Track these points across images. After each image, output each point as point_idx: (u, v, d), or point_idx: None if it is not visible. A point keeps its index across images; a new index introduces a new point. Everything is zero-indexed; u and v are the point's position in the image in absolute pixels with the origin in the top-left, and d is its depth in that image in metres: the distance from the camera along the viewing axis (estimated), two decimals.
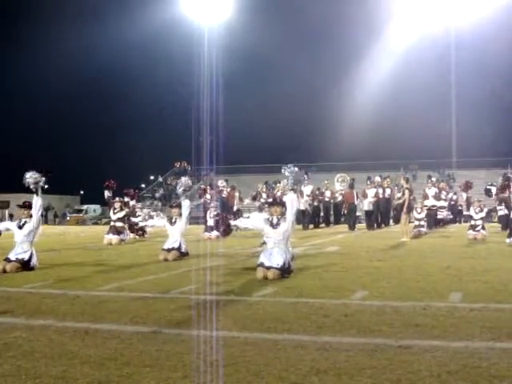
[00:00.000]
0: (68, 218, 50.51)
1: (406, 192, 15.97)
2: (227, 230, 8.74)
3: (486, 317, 5.10)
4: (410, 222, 17.15)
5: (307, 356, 3.95)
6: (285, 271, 7.99)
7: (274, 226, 8.27)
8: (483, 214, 15.92)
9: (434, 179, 23.06)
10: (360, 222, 25.66)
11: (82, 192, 71.31)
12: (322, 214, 26.95)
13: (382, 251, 12.25)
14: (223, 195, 22.53)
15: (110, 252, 13.16)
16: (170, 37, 52.97)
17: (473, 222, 15.97)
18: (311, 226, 24.16)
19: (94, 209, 53.22)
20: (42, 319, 5.27)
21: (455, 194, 25.96)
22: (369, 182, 23.19)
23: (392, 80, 49.76)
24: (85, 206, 55.68)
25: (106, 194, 16.76)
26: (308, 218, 23.72)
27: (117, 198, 16.96)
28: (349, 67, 54.01)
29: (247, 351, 4.09)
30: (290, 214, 8.35)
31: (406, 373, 3.55)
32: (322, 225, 26.29)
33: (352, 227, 22.57)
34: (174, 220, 11.11)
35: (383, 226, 23.68)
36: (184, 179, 11.76)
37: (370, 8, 49.98)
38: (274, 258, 8.03)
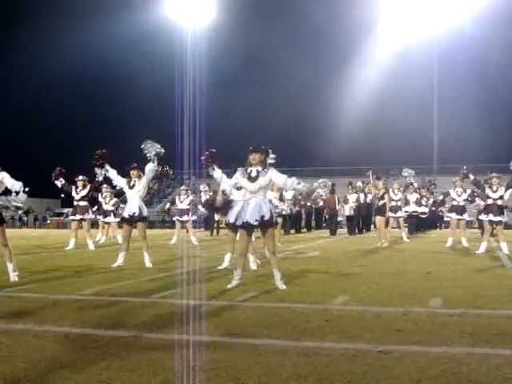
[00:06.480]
0: (48, 222, 50.16)
1: (386, 196, 16.11)
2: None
3: (465, 322, 5.14)
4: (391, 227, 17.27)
5: (288, 361, 3.95)
6: (271, 223, 7.36)
7: (251, 179, 7.31)
8: (466, 196, 14.99)
9: (415, 185, 23.20)
10: (341, 227, 25.79)
11: (62, 195, 70.73)
12: (303, 218, 27.10)
13: (363, 256, 12.32)
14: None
15: (91, 256, 13.07)
16: (154, 39, 52.86)
17: (455, 203, 15.33)
18: (292, 230, 24.24)
19: None
20: (22, 323, 5.22)
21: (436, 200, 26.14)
22: (350, 188, 23.32)
23: (374, 86, 50.06)
24: (65, 210, 55.25)
25: (60, 184, 14.41)
26: (289, 223, 23.79)
27: (80, 177, 15.20)
28: (331, 73, 54.27)
29: (228, 356, 4.08)
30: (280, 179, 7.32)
31: (385, 378, 3.57)
32: (304, 230, 26.39)
33: (333, 232, 22.71)
34: (132, 184, 10.29)
35: (364, 231, 23.84)
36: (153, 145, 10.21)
37: (352, 14, 50.29)
38: (255, 211, 7.21)
